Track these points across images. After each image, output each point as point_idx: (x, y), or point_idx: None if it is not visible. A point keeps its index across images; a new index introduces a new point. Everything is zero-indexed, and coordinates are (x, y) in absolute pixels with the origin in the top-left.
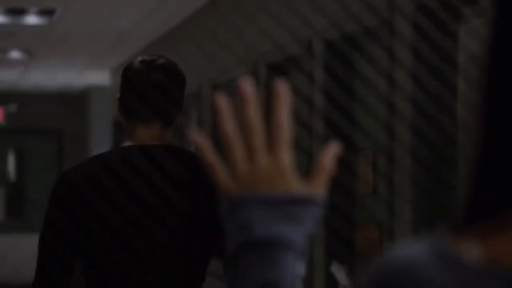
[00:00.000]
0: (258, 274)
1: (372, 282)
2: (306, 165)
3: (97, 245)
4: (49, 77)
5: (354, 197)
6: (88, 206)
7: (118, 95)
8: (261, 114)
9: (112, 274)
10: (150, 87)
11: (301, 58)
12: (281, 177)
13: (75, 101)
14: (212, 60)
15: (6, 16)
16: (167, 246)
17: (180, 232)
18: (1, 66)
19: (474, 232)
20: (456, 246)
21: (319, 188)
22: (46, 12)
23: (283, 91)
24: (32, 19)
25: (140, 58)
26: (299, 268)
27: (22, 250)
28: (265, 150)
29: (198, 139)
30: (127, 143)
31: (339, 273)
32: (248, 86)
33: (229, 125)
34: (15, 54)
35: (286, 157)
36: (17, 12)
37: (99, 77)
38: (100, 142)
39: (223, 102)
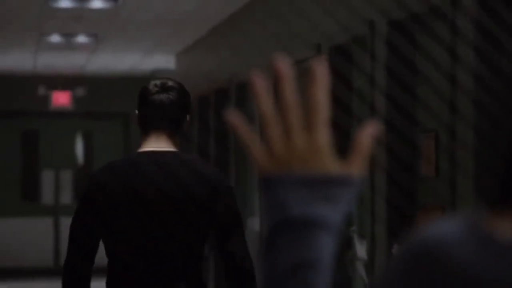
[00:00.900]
0: (293, 253)
1: (408, 256)
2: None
3: (118, 231)
4: (115, 61)
5: (417, 178)
6: (111, 200)
7: (136, 111)
8: (298, 93)
9: (130, 254)
10: (160, 103)
11: (365, 39)
12: (318, 157)
13: (142, 85)
14: (276, 42)
15: (72, 0)
16: (173, 232)
17: (181, 221)
18: (68, 51)
19: (508, 211)
20: (490, 224)
21: (356, 168)
22: None
23: (319, 70)
24: (98, 3)
25: (153, 82)
26: (334, 248)
27: None
28: (302, 129)
29: (234, 120)
30: (142, 149)
31: None
32: (283, 65)
33: (265, 104)
34: (81, 39)
35: (323, 136)
36: None
37: (164, 60)
38: None
39: (259, 81)
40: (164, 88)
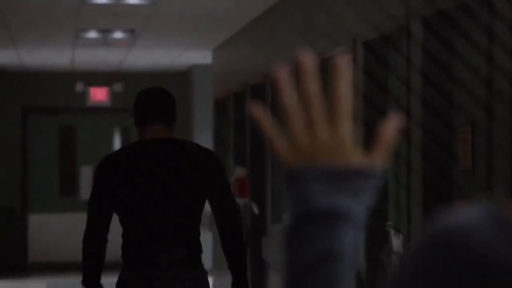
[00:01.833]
0: (317, 245)
1: (428, 244)
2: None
3: (127, 204)
4: (152, 57)
5: (454, 171)
6: (120, 177)
7: (133, 111)
8: (321, 86)
9: (139, 221)
10: (154, 103)
11: (398, 35)
12: (341, 150)
13: (178, 80)
14: (311, 37)
15: None
16: (172, 201)
17: (179, 192)
18: (105, 47)
19: None
20: (511, 211)
21: (379, 160)
22: None
23: (343, 63)
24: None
25: (147, 89)
26: (358, 240)
27: None
28: (325, 122)
29: (257, 113)
30: (146, 137)
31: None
32: (307, 58)
33: (288, 97)
34: (118, 35)
35: (346, 129)
36: None
37: (201, 56)
38: (202, 120)
39: (282, 75)
40: (155, 89)
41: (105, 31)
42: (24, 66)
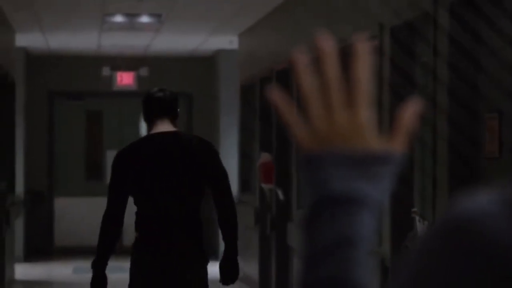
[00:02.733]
0: (334, 230)
1: (441, 230)
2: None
3: (142, 187)
4: (178, 42)
5: (480, 156)
6: (135, 166)
7: (143, 109)
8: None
9: (151, 202)
10: (161, 101)
11: (424, 22)
12: (359, 134)
13: (204, 65)
14: (339, 21)
15: None
16: (178, 185)
17: (182, 177)
18: (132, 31)
19: None
20: None
21: (398, 146)
22: None
23: (362, 48)
24: None
25: (154, 89)
26: (375, 225)
27: None
28: (344, 107)
29: (276, 98)
30: (152, 132)
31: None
32: (326, 42)
33: (307, 82)
34: (145, 19)
35: (365, 114)
36: None
37: (227, 41)
38: (228, 105)
39: (300, 58)
40: (160, 90)
41: (132, 15)
42: (51, 51)
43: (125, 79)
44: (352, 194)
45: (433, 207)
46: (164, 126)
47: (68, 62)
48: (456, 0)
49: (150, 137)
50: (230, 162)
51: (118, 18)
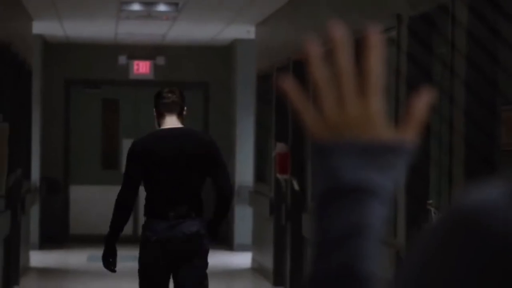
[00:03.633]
0: (344, 220)
1: (447, 223)
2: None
3: (151, 173)
4: (195, 31)
5: (497, 148)
6: (147, 156)
7: (154, 106)
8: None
9: (159, 187)
10: (168, 104)
11: (446, 8)
12: (370, 124)
13: (221, 54)
14: (356, 11)
15: None
16: (181, 172)
17: (186, 166)
18: (149, 20)
19: None
20: None
21: (409, 136)
22: None
23: (374, 38)
24: None
25: (164, 89)
26: (385, 215)
27: None
28: (355, 97)
29: (287, 87)
30: (163, 126)
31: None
32: (339, 31)
33: (319, 71)
34: (162, 7)
35: (376, 104)
36: None
37: (244, 30)
38: (245, 94)
39: (313, 48)
40: (170, 91)
41: (149, 4)
42: (68, 39)
43: (141, 68)
44: (363, 184)
45: (449, 199)
46: (172, 122)
47: (85, 50)
48: None
49: (160, 131)
50: (246, 152)
51: (135, 7)
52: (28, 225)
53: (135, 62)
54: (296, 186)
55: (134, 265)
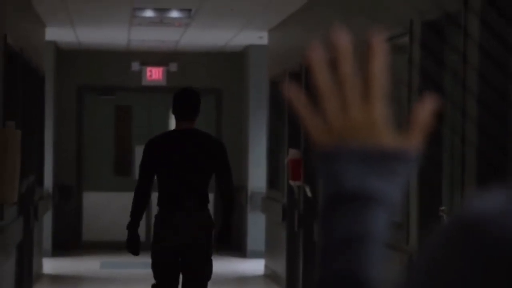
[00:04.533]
0: (347, 227)
1: (450, 230)
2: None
3: (164, 170)
4: (208, 37)
5: (508, 156)
6: (160, 154)
7: (172, 108)
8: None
9: (170, 182)
10: (184, 108)
11: (458, 15)
12: (374, 131)
13: (233, 61)
14: (367, 18)
15: None
16: (191, 170)
17: (195, 165)
18: (162, 26)
19: None
20: None
21: (413, 142)
22: None
23: (378, 44)
24: None
25: (181, 91)
26: (389, 222)
27: None
28: (359, 103)
29: (291, 93)
30: (176, 128)
31: None
32: (342, 38)
33: (323, 77)
34: (175, 14)
35: (380, 110)
36: None
37: (257, 36)
38: (257, 100)
39: (317, 54)
40: (187, 95)
41: (162, 10)
42: (81, 45)
43: (154, 74)
44: (366, 190)
45: (462, 205)
46: (186, 124)
47: (98, 56)
48: (483, 1)
49: (174, 131)
50: (258, 158)
51: (148, 13)
52: (41, 231)
53: (148, 69)
54: (309, 193)
55: (146, 272)
